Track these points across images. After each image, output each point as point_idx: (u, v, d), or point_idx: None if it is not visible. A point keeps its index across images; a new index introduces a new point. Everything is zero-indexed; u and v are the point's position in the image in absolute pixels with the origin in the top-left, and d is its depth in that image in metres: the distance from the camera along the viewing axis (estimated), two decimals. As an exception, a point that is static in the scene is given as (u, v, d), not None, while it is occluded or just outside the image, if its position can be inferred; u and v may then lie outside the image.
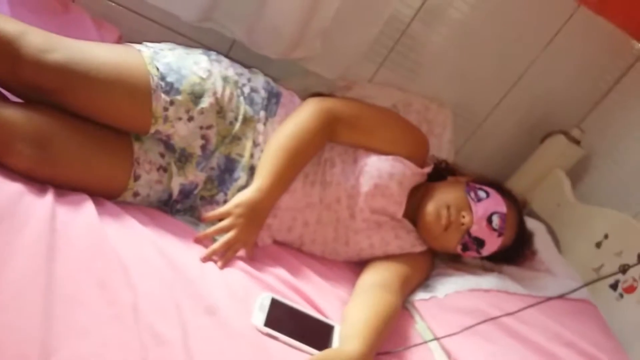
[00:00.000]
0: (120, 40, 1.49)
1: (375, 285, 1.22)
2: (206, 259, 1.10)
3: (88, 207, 1.04)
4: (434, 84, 1.84)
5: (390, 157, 1.33)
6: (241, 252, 1.16)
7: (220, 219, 1.15)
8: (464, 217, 1.31)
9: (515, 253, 1.43)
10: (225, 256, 1.12)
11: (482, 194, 1.35)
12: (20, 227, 0.91)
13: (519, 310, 1.17)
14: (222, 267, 1.10)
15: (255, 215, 1.17)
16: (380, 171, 1.31)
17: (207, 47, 1.33)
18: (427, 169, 1.40)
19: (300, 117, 1.26)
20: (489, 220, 1.33)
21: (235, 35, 1.55)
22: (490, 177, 1.47)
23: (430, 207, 1.32)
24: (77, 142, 1.10)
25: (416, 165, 1.37)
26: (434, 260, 1.44)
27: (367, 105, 1.40)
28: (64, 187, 1.07)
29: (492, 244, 1.35)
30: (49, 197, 1.01)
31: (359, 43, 1.65)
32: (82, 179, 1.10)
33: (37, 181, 1.05)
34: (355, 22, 1.60)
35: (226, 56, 1.32)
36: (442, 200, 1.33)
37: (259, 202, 1.17)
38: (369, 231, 1.32)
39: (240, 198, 1.16)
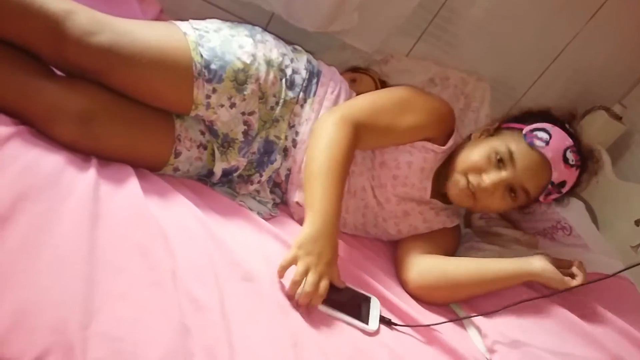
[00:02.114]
0: (161, 14, 1.51)
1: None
2: (298, 304, 1.02)
3: (130, 177, 1.06)
4: (473, 58, 1.82)
5: (407, 145, 1.29)
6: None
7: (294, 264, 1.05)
8: (484, 180, 1.21)
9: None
10: (316, 296, 1.02)
11: (543, 135, 1.23)
12: (64, 195, 0.94)
13: (552, 294, 1.16)
14: (313, 307, 1.03)
15: (322, 246, 1.05)
16: (397, 161, 1.29)
17: (246, 21, 1.34)
18: (449, 144, 1.32)
19: (325, 137, 1.16)
20: (565, 159, 1.22)
21: (274, 8, 1.56)
22: (523, 109, 1.37)
23: (450, 186, 1.27)
24: (119, 119, 1.11)
25: (443, 137, 1.31)
26: (460, 234, 1.45)
27: (380, 98, 1.28)
28: (107, 160, 1.09)
29: (572, 179, 1.25)
30: (93, 167, 1.03)
31: (397, 16, 1.63)
32: (123, 154, 1.12)
33: (81, 153, 1.07)
34: (393, -5, 1.59)
35: (265, 29, 1.32)
36: (458, 172, 1.25)
37: (317, 233, 1.06)
38: (396, 219, 1.32)
39: (298, 239, 1.05)
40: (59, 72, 1.12)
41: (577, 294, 1.26)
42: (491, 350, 1.12)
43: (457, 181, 1.24)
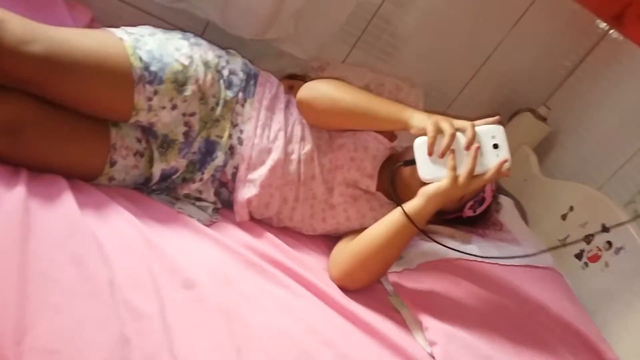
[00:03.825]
0: (92, 22, 1.47)
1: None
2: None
3: (62, 187, 1.04)
4: (406, 65, 1.87)
5: (364, 132, 1.36)
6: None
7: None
8: None
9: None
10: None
11: None
12: (-7, 207, 0.91)
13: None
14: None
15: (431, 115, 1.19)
16: (355, 145, 1.35)
17: (181, 29, 1.33)
18: (394, 143, 1.42)
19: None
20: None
21: (209, 15, 1.55)
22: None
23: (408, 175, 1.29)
24: (51, 129, 1.08)
25: (389, 135, 1.40)
26: None
27: None
28: (38, 170, 1.06)
29: (488, 202, 1.40)
30: (22, 178, 1.00)
31: (332, 24, 1.66)
32: (55, 165, 1.09)
33: (11, 164, 1.04)
34: (328, 2, 1.61)
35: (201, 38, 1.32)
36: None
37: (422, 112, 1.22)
38: (345, 204, 1.34)
39: (415, 117, 1.19)
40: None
41: (509, 283, 1.32)
42: (432, 343, 1.15)
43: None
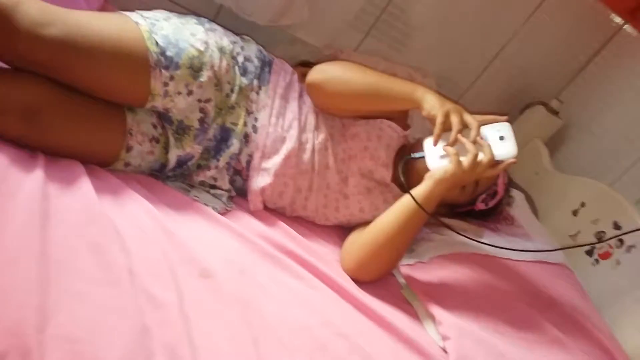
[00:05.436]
0: (106, 5, 1.46)
1: None
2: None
3: (80, 173, 1.03)
4: (419, 54, 1.86)
5: (377, 120, 1.36)
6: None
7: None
8: None
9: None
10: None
11: None
12: (12, 193, 0.90)
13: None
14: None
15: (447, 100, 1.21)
16: (369, 133, 1.34)
17: (194, 13, 1.32)
18: (408, 132, 1.42)
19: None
20: (505, 175, 1.40)
21: (223, 0, 1.54)
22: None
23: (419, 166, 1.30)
24: (67, 113, 1.08)
25: (403, 123, 1.40)
26: None
27: None
28: (55, 155, 1.06)
29: (500, 196, 1.42)
30: (40, 164, 1.00)
31: (346, 11, 1.65)
32: (72, 150, 1.08)
33: (28, 148, 1.04)
34: (342, -11, 1.60)
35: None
36: None
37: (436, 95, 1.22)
38: (359, 196, 1.34)
39: (432, 102, 1.19)
40: (2, 65, 1.07)
41: (520, 279, 1.32)
42: (445, 337, 1.15)
43: None
